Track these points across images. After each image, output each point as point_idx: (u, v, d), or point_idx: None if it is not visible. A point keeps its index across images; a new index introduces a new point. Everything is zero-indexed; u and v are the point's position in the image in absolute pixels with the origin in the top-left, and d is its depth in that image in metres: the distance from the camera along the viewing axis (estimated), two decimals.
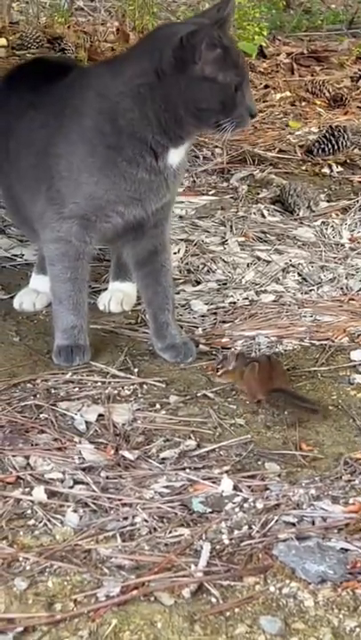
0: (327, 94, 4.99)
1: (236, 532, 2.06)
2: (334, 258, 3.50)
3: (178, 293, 3.23)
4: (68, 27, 6.35)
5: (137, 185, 2.66)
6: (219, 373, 2.67)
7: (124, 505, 2.14)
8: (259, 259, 3.48)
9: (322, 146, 4.30)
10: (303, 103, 4.96)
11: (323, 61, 5.79)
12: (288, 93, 5.01)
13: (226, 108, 2.59)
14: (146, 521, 2.09)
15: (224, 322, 3.05)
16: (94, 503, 2.15)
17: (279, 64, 5.63)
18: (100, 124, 2.64)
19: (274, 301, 3.19)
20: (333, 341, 2.90)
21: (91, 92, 2.70)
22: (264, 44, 5.80)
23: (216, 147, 4.29)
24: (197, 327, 3.01)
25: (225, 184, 4.07)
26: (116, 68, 2.70)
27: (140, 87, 2.60)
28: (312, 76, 5.49)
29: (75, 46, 5.81)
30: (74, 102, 2.71)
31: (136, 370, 2.73)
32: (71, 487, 2.20)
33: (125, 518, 2.10)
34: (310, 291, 3.29)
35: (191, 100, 2.58)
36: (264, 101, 4.91)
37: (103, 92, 2.66)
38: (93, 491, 2.18)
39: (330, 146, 4.30)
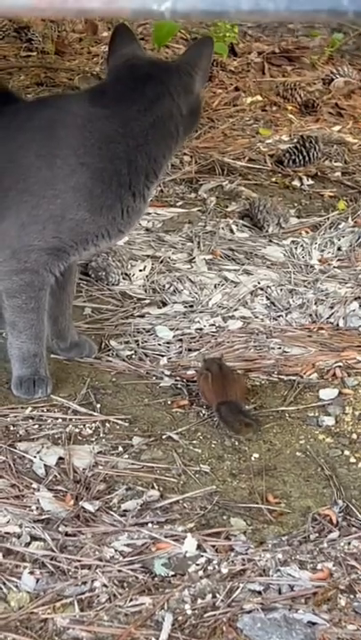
0: (298, 99, 4.87)
1: (199, 600, 1.97)
2: (304, 281, 3.40)
3: (142, 317, 3.14)
4: None
5: (132, 217, 2.59)
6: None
7: (83, 567, 2.05)
8: (226, 279, 3.38)
9: (293, 157, 4.20)
10: (274, 108, 4.84)
11: (294, 61, 5.67)
12: (259, 97, 4.89)
13: None
14: (105, 586, 2.00)
15: (190, 350, 2.96)
16: (52, 564, 2.05)
17: (250, 63, 5.51)
18: (117, 165, 2.52)
19: (241, 329, 3.10)
20: (302, 377, 2.81)
21: (101, 127, 2.54)
22: (235, 41, 5.68)
23: (185, 154, 4.18)
24: (163, 356, 2.91)
25: (193, 195, 3.95)
26: (130, 103, 2.56)
27: (166, 121, 2.58)
28: (283, 76, 5.37)
29: (42, 37, 5.66)
30: (70, 140, 2.53)
31: (99, 405, 2.62)
32: (28, 544, 2.10)
33: (84, 583, 2.01)
34: (279, 317, 3.20)
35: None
36: (234, 105, 4.78)
37: (121, 128, 2.54)
38: (52, 550, 2.08)
39: (301, 157, 4.19)
